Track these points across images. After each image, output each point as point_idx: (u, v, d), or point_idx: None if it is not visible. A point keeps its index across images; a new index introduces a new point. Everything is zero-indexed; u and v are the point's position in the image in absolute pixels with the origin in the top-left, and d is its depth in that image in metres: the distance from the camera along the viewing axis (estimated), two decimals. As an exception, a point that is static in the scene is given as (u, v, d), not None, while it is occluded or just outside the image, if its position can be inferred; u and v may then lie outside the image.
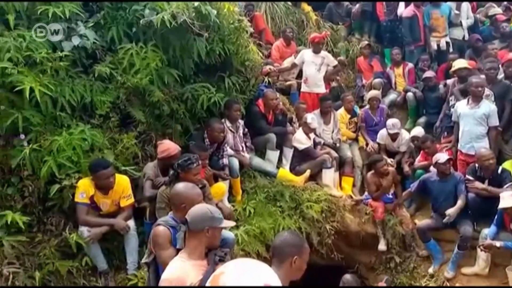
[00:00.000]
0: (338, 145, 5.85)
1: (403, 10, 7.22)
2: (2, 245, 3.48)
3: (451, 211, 4.79)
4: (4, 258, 3.47)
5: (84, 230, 3.64)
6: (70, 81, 3.86)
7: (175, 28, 4.18)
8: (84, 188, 3.66)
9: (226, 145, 4.76)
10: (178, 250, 2.67)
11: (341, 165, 5.77)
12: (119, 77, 4.07)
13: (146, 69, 4.12)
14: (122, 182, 3.79)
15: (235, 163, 4.79)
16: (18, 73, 3.56)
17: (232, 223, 2.84)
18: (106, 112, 4.00)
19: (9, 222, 3.48)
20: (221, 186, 4.53)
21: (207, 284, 1.43)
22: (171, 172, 3.63)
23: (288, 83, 6.29)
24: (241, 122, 5.08)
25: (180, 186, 2.97)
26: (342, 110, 6.15)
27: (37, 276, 3.51)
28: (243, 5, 6.55)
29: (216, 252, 2.52)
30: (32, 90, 3.52)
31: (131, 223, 3.80)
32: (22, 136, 3.64)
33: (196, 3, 4.26)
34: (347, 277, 4.19)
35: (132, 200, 3.86)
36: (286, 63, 6.40)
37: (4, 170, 3.64)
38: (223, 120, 4.81)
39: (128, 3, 4.23)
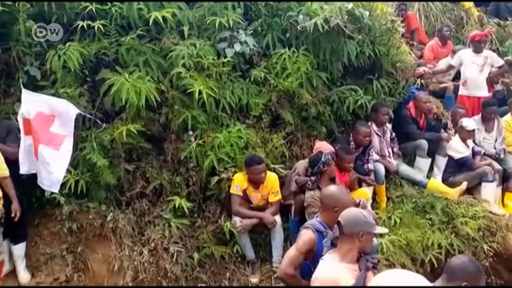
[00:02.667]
0: (502, 156, 5.20)
1: None
2: (170, 226, 3.99)
3: None
4: (171, 237, 3.98)
5: (236, 220, 3.95)
6: (231, 85, 4.24)
7: (326, 32, 4.26)
8: (239, 181, 3.97)
9: (371, 149, 4.64)
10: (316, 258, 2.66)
11: (505, 179, 5.10)
12: (272, 81, 4.31)
13: (297, 73, 4.28)
14: (271, 178, 4.01)
15: (381, 169, 4.63)
16: (190, 77, 4.05)
17: (385, 230, 2.74)
18: (259, 113, 4.28)
19: (176, 207, 3.99)
20: (365, 192, 4.42)
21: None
22: (312, 177, 3.78)
23: (442, 85, 5.80)
24: (389, 126, 4.89)
25: (334, 188, 3.00)
26: (508, 117, 5.43)
27: (196, 257, 3.94)
28: (395, 5, 6.29)
29: (368, 258, 2.47)
30: (200, 92, 3.97)
31: (278, 218, 3.98)
32: (190, 133, 4.12)
33: (349, 6, 4.25)
34: None
35: (279, 196, 4.05)
36: (442, 64, 5.94)
37: (175, 161, 4.17)
38: (369, 123, 4.70)
39: (283, 10, 4.46)
